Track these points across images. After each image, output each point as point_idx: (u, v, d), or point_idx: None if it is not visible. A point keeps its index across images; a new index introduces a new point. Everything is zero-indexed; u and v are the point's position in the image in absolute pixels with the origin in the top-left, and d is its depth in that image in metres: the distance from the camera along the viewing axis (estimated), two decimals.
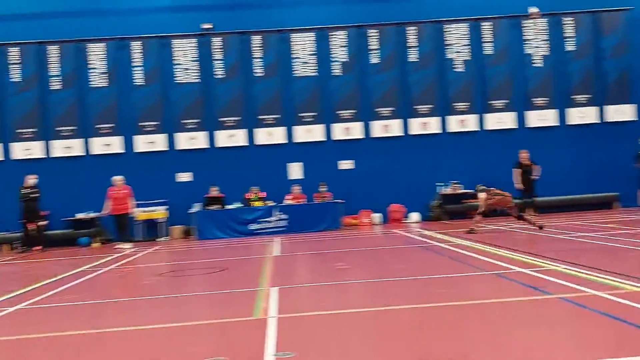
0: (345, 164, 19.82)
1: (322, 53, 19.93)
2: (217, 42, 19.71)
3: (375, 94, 19.87)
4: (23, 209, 17.18)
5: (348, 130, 19.83)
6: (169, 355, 5.15)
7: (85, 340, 5.82)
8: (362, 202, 19.30)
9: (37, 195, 17.27)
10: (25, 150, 19.13)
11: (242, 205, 18.19)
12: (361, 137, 19.88)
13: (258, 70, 19.74)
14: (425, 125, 19.92)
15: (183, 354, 5.09)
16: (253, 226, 17.73)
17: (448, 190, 19.41)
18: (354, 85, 19.87)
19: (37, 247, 17.23)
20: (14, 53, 19.25)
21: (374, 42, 19.99)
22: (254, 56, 19.75)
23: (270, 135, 19.70)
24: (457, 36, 20.08)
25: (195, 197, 18.49)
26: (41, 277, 11.17)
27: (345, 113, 19.81)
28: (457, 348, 4.79)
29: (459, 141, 19.92)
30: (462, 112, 19.98)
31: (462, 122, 19.98)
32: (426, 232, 15.19)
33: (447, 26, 20.07)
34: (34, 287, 9.66)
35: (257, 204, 18.03)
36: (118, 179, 16.65)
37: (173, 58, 19.63)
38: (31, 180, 17.32)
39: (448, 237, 13.37)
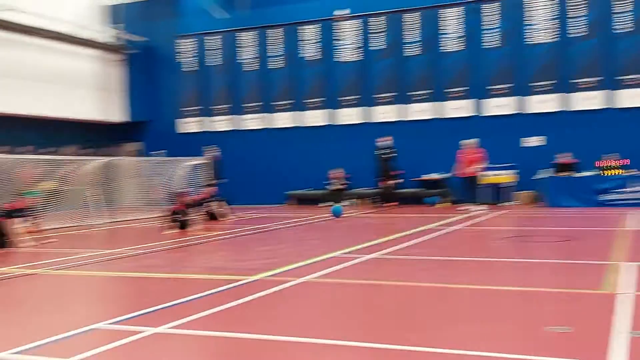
0: None
1: None
2: (572, 2, 18.51)
3: None
4: (379, 168, 18.64)
5: None
6: (512, 317, 5.17)
7: (431, 292, 6.15)
8: None
9: (392, 155, 18.54)
10: (381, 114, 20.63)
11: (596, 173, 16.96)
12: None
13: (618, 26, 17.96)
14: None
15: (526, 319, 5.06)
16: (607, 196, 16.45)
17: None
18: None
19: (391, 204, 18.63)
20: (374, 23, 20.75)
21: None
22: (613, 12, 18.04)
23: (638, 97, 17.87)
24: None
25: (544, 162, 17.85)
26: (392, 231, 12.08)
27: None
28: None
29: None
30: None
31: None
32: None
33: None
34: (386, 239, 10.51)
35: (613, 172, 16.64)
36: (468, 142, 16.97)
37: (524, 19, 19.02)
38: (386, 141, 18.64)
39: None
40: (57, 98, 20.53)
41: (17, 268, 8.41)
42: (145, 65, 23.45)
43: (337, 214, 15.40)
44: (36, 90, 19.78)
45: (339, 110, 21.19)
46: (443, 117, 19.95)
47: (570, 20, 18.54)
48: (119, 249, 10.20)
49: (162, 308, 5.56)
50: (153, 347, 4.48)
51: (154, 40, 23.50)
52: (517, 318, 5.11)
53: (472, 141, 16.98)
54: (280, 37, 21.87)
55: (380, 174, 18.68)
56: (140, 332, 4.74)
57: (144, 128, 23.72)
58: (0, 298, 6.65)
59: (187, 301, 5.88)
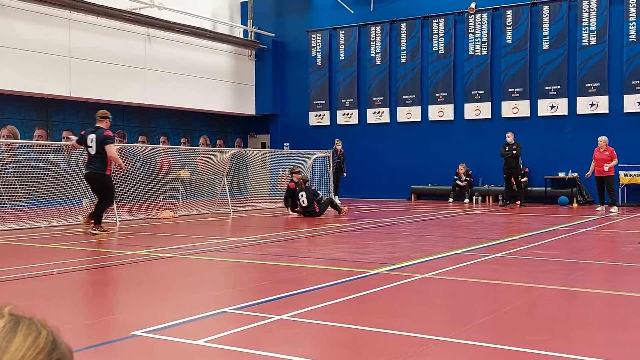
0: None
1: None
2: None
3: None
4: (505, 165, 18.08)
5: None
6: (636, 322, 4.91)
7: (555, 295, 5.95)
8: None
9: (517, 152, 17.83)
10: (512, 109, 19.96)
11: None
12: None
13: None
14: None
15: None
16: None
17: None
18: None
19: (517, 202, 18.05)
20: (508, 16, 20.11)
21: None
22: None
23: None
24: None
25: None
26: (518, 230, 11.74)
27: None
28: None
29: None
30: None
31: None
32: None
33: None
34: (510, 238, 10.24)
35: None
36: (602, 139, 16.07)
37: None
38: (510, 137, 17.97)
39: None
40: (191, 90, 21.63)
41: (151, 251, 9.00)
42: (274, 60, 24.13)
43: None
44: (172, 82, 20.94)
45: (465, 105, 20.75)
46: (577, 113, 19.01)
47: None
48: (244, 237, 10.64)
49: (285, 296, 5.77)
50: (278, 333, 4.66)
51: (283, 35, 24.13)
52: None
53: (604, 139, 16.05)
54: (409, 31, 21.73)
55: (505, 171, 18.10)
56: (266, 318, 4.95)
57: (273, 121, 24.44)
58: (136, 279, 7.16)
59: (308, 291, 6.06)
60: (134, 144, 19.22)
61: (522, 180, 18.40)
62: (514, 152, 17.76)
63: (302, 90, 23.67)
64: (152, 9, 20.22)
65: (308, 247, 9.93)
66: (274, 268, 7.56)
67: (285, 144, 23.58)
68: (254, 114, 24.28)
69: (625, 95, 18.31)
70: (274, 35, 24.07)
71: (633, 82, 18.20)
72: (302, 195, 14.51)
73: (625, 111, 18.32)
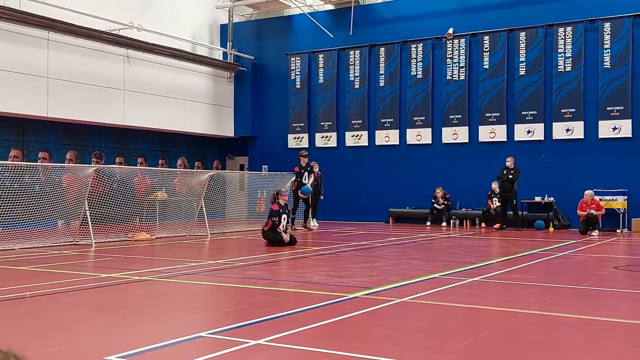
0: None
1: None
2: None
3: None
4: (500, 188, 18.28)
5: None
6: (621, 351, 4.92)
7: (535, 319, 5.96)
8: None
9: (513, 177, 18.01)
10: (489, 133, 20.15)
11: None
12: None
13: None
14: None
15: (637, 353, 4.80)
16: None
17: None
18: None
19: (495, 225, 18.19)
20: (485, 42, 20.39)
21: None
22: None
23: None
24: None
25: None
26: (496, 254, 11.79)
27: None
28: None
29: None
30: None
31: None
32: None
33: None
34: (489, 262, 10.26)
35: None
36: (588, 193, 16.50)
37: None
38: (509, 162, 18.17)
39: None
40: (170, 112, 21.55)
41: (127, 274, 8.87)
42: (254, 83, 24.16)
43: (305, 192, 17.35)
44: (151, 104, 20.85)
45: (443, 129, 20.90)
46: (553, 139, 19.24)
47: None
48: (221, 260, 10.54)
49: (263, 320, 5.70)
50: (255, 358, 4.59)
51: (262, 58, 24.20)
52: (627, 352, 4.86)
53: (591, 192, 16.48)
54: (387, 55, 21.92)
55: (500, 195, 18.31)
56: (242, 343, 4.88)
57: (251, 143, 24.40)
58: (111, 302, 7.04)
59: (286, 315, 6.00)
60: (111, 166, 19.04)
61: (497, 205, 18.53)
62: (510, 176, 17.98)
63: (281, 113, 23.70)
64: (131, 30, 20.18)
65: (286, 271, 9.86)
66: (252, 291, 7.49)
67: (263, 165, 23.53)
68: (233, 135, 24.23)
69: (600, 121, 18.60)
70: (253, 57, 24.13)
71: (608, 108, 18.50)
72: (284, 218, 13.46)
73: (600, 137, 18.60)
